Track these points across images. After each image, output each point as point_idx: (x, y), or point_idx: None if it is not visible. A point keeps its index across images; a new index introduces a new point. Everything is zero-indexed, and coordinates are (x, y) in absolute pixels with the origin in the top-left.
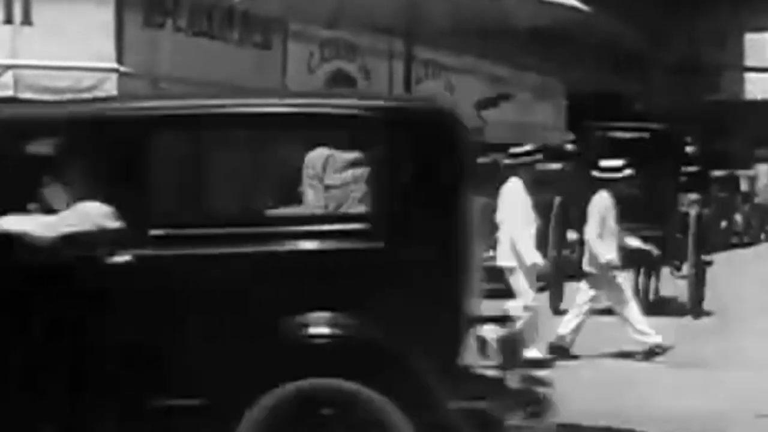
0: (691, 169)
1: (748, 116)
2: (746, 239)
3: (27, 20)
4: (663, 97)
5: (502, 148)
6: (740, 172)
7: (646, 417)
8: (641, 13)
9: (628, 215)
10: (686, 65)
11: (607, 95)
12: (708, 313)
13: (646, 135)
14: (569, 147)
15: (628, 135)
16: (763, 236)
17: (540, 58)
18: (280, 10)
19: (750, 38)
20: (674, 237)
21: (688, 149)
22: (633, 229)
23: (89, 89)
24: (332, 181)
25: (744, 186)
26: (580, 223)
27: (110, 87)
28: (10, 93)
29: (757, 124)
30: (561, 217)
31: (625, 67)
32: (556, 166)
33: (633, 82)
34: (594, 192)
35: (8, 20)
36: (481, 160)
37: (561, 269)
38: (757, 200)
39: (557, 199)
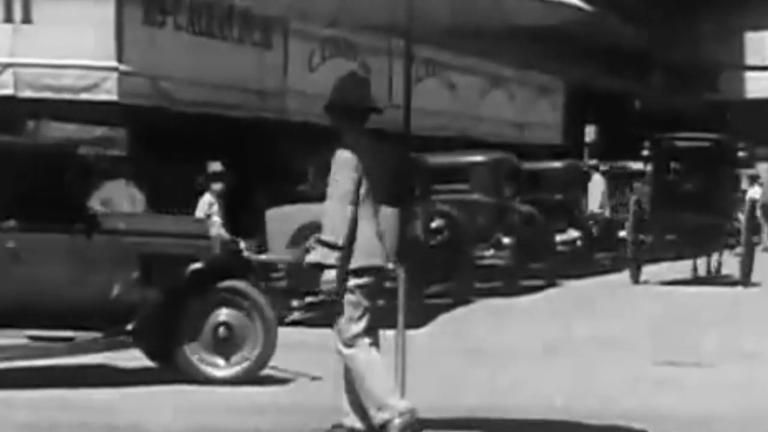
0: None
1: (748, 115)
2: None
3: (27, 19)
4: (663, 96)
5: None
6: (741, 171)
7: None
8: (642, 13)
9: (693, 207)
10: (686, 64)
11: (607, 94)
12: (756, 284)
13: (706, 143)
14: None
15: (692, 144)
16: (764, 234)
17: (541, 57)
18: (280, 8)
19: (750, 37)
20: (731, 223)
21: (741, 154)
22: (696, 217)
23: (89, 88)
24: None
25: (745, 184)
26: None
27: (110, 85)
28: (9, 91)
29: (757, 122)
30: None
31: (625, 67)
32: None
33: (633, 82)
34: None
35: (8, 19)
36: None
37: None
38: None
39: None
